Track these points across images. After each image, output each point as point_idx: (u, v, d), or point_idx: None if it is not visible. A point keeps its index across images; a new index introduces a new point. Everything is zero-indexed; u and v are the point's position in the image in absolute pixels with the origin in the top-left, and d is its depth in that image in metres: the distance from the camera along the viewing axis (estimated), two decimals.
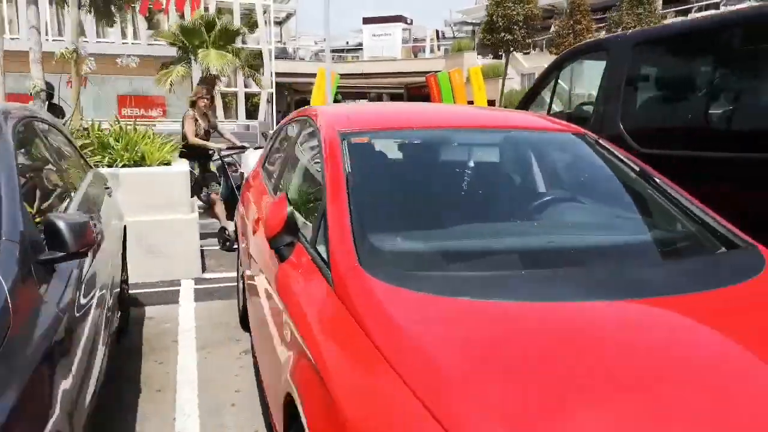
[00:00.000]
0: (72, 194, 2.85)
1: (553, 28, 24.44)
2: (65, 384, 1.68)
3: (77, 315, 2.00)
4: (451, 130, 2.57)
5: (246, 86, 26.30)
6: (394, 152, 2.49)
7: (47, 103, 5.95)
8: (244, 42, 23.17)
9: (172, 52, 19.52)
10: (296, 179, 2.74)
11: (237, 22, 24.87)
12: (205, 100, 6.28)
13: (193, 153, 6.15)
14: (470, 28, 43.19)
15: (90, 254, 2.35)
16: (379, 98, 43.42)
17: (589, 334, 1.49)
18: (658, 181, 2.39)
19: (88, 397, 2.10)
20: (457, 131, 2.58)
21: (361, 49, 42.62)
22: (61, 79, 6.46)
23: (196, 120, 6.20)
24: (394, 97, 42.24)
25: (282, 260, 2.14)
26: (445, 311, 1.55)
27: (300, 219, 2.23)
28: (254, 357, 3.26)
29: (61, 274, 1.96)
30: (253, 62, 23.63)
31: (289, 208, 2.12)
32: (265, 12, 28.57)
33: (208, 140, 6.32)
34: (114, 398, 2.93)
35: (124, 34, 23.57)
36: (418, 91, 36.99)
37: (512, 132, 2.58)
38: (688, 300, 1.65)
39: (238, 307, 4.11)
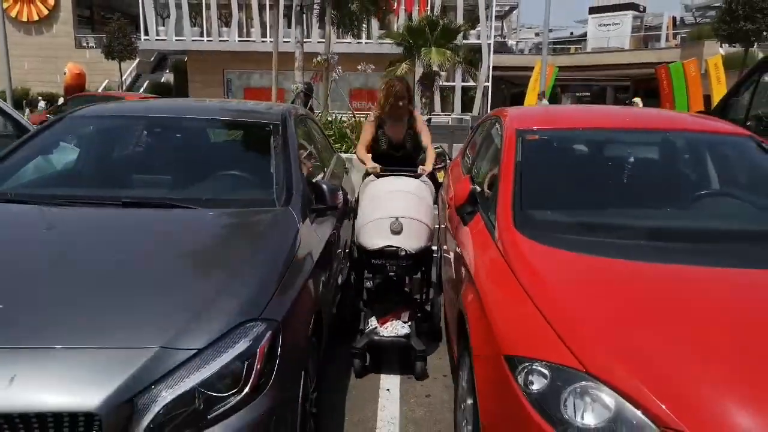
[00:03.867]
0: (325, 170, 3.99)
1: None
2: (323, 286, 2.70)
3: (330, 247, 3.04)
4: (614, 131, 3.10)
5: (464, 80, 27.47)
6: (558, 147, 3.10)
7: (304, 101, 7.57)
8: (465, 38, 24.27)
9: (399, 50, 21.39)
10: (483, 165, 3.51)
11: (460, 19, 26.11)
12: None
13: None
14: (715, 13, 38.78)
15: (335, 216, 3.35)
16: (602, 91, 41.37)
17: (679, 280, 2.04)
18: None
19: (335, 302, 3.14)
20: (619, 132, 3.10)
21: (585, 39, 41.01)
22: (313, 76, 8.08)
23: None
24: (620, 90, 39.96)
25: (465, 224, 2.93)
26: (569, 260, 2.19)
27: (480, 194, 3.00)
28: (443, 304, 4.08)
29: (321, 220, 3.01)
30: (472, 57, 24.64)
31: (473, 186, 2.90)
32: (487, 7, 29.39)
33: None
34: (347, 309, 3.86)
35: (359, 36, 26.44)
36: (647, 84, 34.46)
37: (667, 133, 3.02)
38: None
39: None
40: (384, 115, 4.08)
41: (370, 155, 4.05)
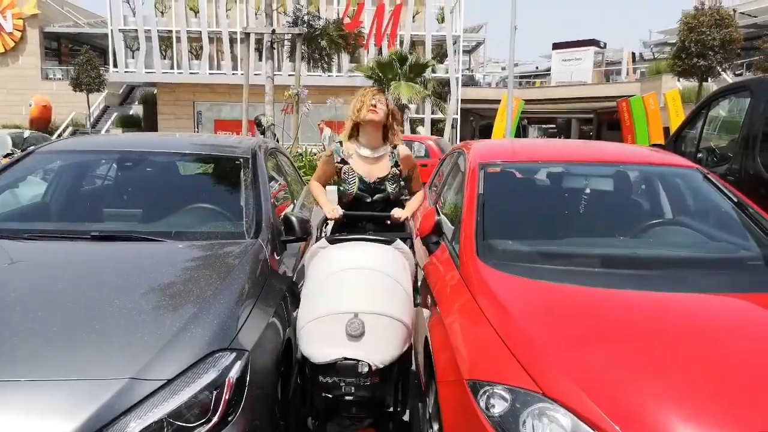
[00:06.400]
0: (294, 202, 4.06)
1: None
2: (292, 311, 2.74)
3: (295, 276, 3.08)
4: (570, 164, 3.25)
5: (433, 113, 28.01)
6: (518, 179, 3.24)
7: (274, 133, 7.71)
8: (433, 71, 24.84)
9: (369, 83, 21.78)
10: (448, 196, 3.63)
11: (428, 54, 26.78)
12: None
13: None
14: (671, 49, 40.55)
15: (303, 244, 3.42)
16: (567, 124, 42.64)
17: (630, 305, 2.16)
18: (751, 210, 2.83)
19: None
20: (575, 165, 3.25)
21: (550, 74, 42.33)
22: (283, 108, 8.26)
23: None
24: (584, 123, 41.18)
25: (430, 253, 3.02)
26: (528, 287, 2.29)
27: (446, 224, 3.10)
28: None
29: (289, 250, 3.07)
30: (441, 90, 25.19)
31: (438, 217, 3.00)
32: (455, 42, 30.21)
33: None
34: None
35: (330, 70, 26.89)
36: (610, 117, 35.61)
37: (620, 166, 3.19)
38: (712, 297, 2.22)
39: None
40: (353, 139, 3.10)
41: (324, 191, 3.25)
